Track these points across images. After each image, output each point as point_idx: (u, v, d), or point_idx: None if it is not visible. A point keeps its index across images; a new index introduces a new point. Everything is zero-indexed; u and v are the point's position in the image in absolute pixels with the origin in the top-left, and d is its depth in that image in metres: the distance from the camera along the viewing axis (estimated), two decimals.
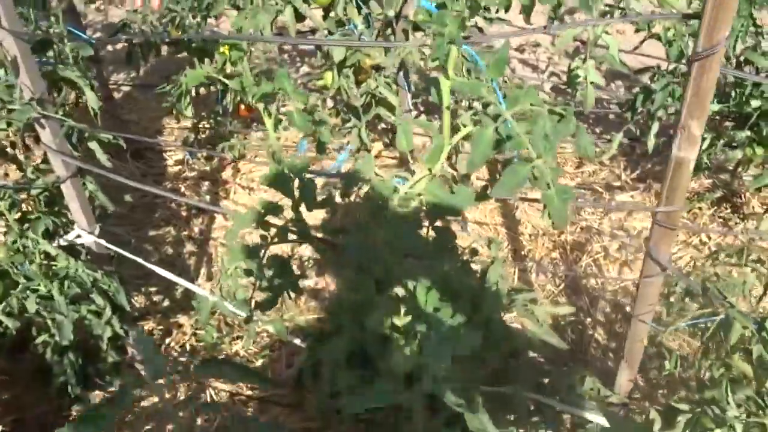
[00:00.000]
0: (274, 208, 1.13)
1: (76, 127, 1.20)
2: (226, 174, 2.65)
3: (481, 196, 1.07)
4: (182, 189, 2.61)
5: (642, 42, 2.18)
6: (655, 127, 2.02)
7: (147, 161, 2.72)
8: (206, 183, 2.63)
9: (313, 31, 2.21)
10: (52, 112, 1.20)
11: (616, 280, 2.10)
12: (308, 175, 1.07)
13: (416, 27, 2.07)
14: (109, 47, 3.46)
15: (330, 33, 2.11)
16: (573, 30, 1.80)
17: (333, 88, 2.14)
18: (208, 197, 2.59)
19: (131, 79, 3.23)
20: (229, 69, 1.00)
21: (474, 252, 1.13)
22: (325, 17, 2.17)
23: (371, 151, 2.46)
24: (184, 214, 2.57)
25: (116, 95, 3.07)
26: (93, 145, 1.28)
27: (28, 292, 1.46)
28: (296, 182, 1.06)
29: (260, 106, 0.97)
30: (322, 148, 1.12)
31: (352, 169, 1.02)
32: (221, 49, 1.16)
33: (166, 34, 2.19)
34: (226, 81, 1.01)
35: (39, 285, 1.43)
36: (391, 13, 2.17)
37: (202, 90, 2.34)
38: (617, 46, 1.82)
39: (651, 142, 2.05)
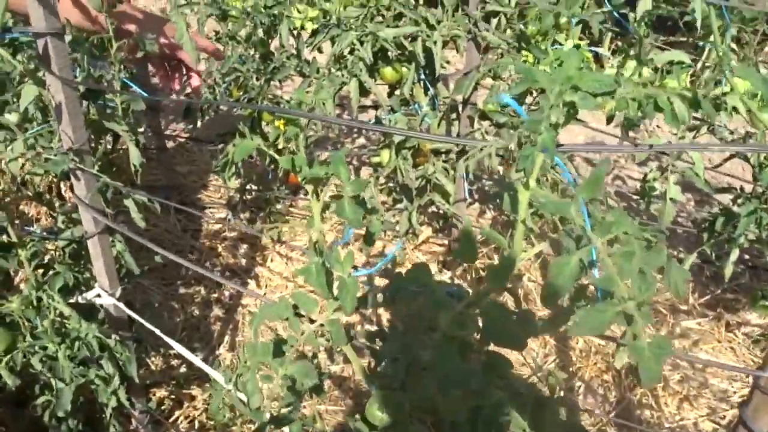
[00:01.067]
0: (309, 303, 0.99)
1: (112, 184, 1.10)
2: (266, 239, 2.55)
3: (546, 328, 0.92)
4: (219, 249, 2.52)
5: (726, 160, 2.02)
6: (734, 253, 1.84)
7: (189, 215, 2.65)
8: (245, 245, 2.54)
9: (375, 106, 2.14)
10: (90, 164, 1.11)
11: (675, 416, 1.87)
12: (353, 273, 0.95)
13: (483, 116, 1.98)
14: (173, 96, 3.49)
15: (393, 111, 2.04)
16: (657, 140, 1.66)
17: (389, 167, 2.04)
18: (243, 261, 2.49)
19: (188, 130, 3.22)
20: (281, 144, 0.91)
21: (530, 387, 0.97)
22: (390, 94, 2.10)
23: (419, 236, 2.33)
24: (217, 275, 2.47)
25: (171, 144, 3.05)
26: (129, 203, 1.18)
27: (35, 348, 1.35)
28: (337, 279, 0.93)
29: (309, 188, 0.85)
30: (370, 239, 0.99)
31: (404, 272, 0.88)
32: (276, 122, 1.06)
33: (227, 92, 2.15)
34: (277, 157, 0.90)
35: (47, 344, 1.32)
36: (459, 98, 2.09)
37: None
38: (702, 163, 1.67)
39: (729, 269, 1.86)
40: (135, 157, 1.16)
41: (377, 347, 1.05)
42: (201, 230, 2.60)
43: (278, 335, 1.97)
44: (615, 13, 1.82)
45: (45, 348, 1.35)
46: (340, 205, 0.89)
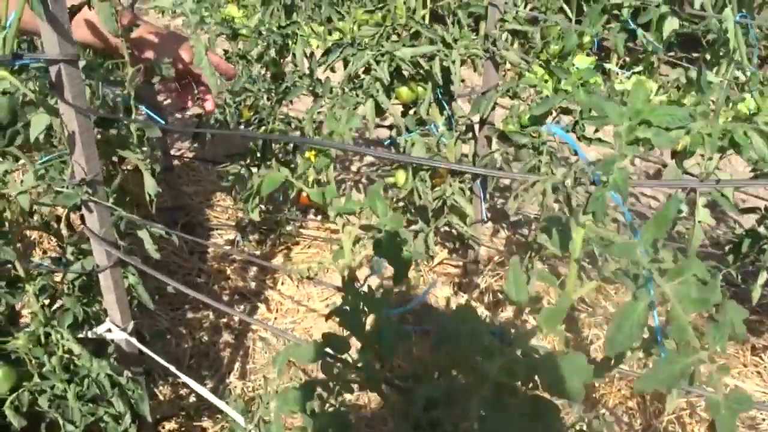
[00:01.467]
0: (341, 345, 0.93)
1: (128, 218, 1.04)
2: (276, 261, 2.49)
3: (600, 372, 0.86)
4: (228, 272, 2.45)
5: (753, 178, 1.96)
6: (763, 276, 1.78)
7: (196, 237, 2.59)
8: (254, 268, 2.47)
9: (390, 126, 2.09)
10: (104, 196, 1.05)
11: None
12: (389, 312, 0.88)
13: (502, 136, 1.92)
14: (177, 114, 3.44)
15: (408, 131, 1.98)
16: (635, 147, 1.61)
17: (405, 188, 1.98)
18: (253, 284, 2.42)
19: (194, 149, 3.16)
20: (312, 176, 0.86)
21: None
22: (404, 114, 2.04)
23: (435, 257, 2.27)
24: (225, 298, 2.40)
25: (176, 163, 2.99)
26: (143, 234, 1.12)
27: (42, 386, 1.28)
28: (371, 320, 0.87)
29: (339, 221, 0.79)
30: (401, 275, 0.93)
31: (447, 313, 0.82)
32: (306, 155, 1.01)
33: (237, 113, 2.10)
34: (306, 190, 0.84)
35: (56, 383, 1.25)
36: (476, 118, 2.03)
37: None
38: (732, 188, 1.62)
39: (756, 293, 1.80)
40: (151, 186, 1.10)
41: (409, 387, 0.98)
42: (208, 252, 2.53)
43: (290, 361, 1.87)
44: (637, 31, 1.77)
45: (53, 387, 1.29)
46: (378, 244, 0.83)
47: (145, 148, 1.12)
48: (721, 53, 1.78)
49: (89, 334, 1.31)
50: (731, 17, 1.34)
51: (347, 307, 0.87)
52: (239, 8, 4.37)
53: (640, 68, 3.81)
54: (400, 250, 0.85)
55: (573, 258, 0.79)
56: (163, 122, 1.38)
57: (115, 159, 1.18)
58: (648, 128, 0.61)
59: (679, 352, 0.70)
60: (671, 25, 1.53)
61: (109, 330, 1.29)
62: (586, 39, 1.66)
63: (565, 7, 4.12)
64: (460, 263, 2.37)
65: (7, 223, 1.09)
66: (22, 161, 1.07)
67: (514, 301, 0.82)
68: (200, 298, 1.20)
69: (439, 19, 2.07)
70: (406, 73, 1.92)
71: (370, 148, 3.24)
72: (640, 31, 1.70)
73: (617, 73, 3.71)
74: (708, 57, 1.90)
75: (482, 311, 2.25)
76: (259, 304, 2.36)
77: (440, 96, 1.99)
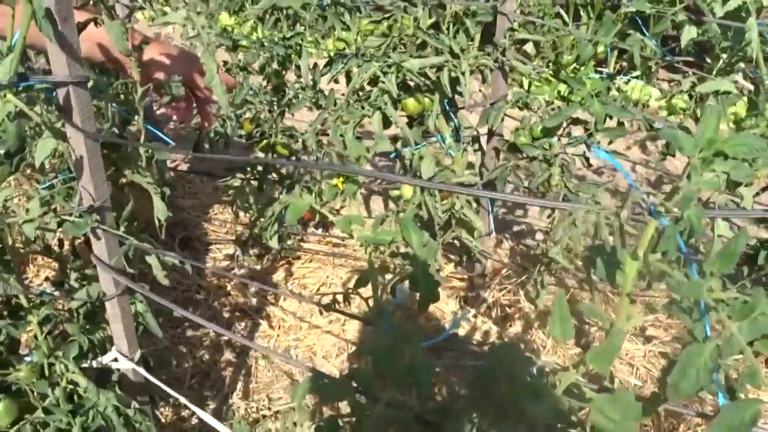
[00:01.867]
0: (368, 381, 0.88)
1: (138, 246, 0.99)
2: (278, 276, 2.43)
3: (649, 410, 0.82)
4: (228, 287, 2.39)
5: (764, 189, 1.94)
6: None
7: (194, 252, 2.53)
8: (255, 283, 2.41)
9: (394, 138, 2.03)
10: (112, 223, 0.99)
11: None
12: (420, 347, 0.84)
13: (512, 147, 1.88)
14: (171, 124, 3.37)
15: (416, 143, 1.93)
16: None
17: (412, 202, 1.93)
18: (254, 300, 2.36)
19: (189, 160, 3.10)
20: (338, 204, 0.81)
21: None
22: (409, 125, 2.00)
23: (441, 271, 2.22)
24: (226, 315, 2.34)
25: (171, 175, 2.93)
26: (152, 260, 1.06)
27: (46, 419, 1.22)
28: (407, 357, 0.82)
29: (367, 250, 0.74)
30: (427, 305, 0.88)
31: (493, 356, 0.77)
32: (333, 181, 0.96)
33: (238, 126, 2.04)
34: (332, 218, 0.79)
35: (60, 416, 1.19)
36: (483, 129, 1.99)
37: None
38: (751, 199, 1.58)
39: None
40: (161, 211, 1.04)
41: (438, 420, 0.93)
42: (208, 268, 2.47)
43: (294, 380, 1.80)
44: (653, 41, 1.74)
45: (57, 420, 1.22)
46: (414, 279, 0.78)
47: (153, 171, 1.07)
48: (733, 60, 1.75)
49: (94, 364, 1.25)
50: (755, 26, 1.30)
51: (381, 346, 0.82)
52: (230, 16, 4.31)
53: (637, 73, 3.80)
54: (433, 281, 0.80)
55: (624, 292, 0.75)
56: (171, 143, 1.32)
57: (123, 180, 1.13)
58: (724, 160, 0.56)
59: (745, 395, 0.66)
60: (689, 33, 1.50)
61: (116, 359, 1.23)
62: (600, 49, 1.63)
63: (562, 12, 4.09)
64: (466, 276, 2.33)
65: (8, 251, 1.03)
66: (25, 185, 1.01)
67: (558, 340, 0.78)
68: (201, 323, 1.14)
69: (435, 27, 2.03)
70: (411, 83, 1.87)
71: (379, 167, 3.18)
72: (653, 39, 1.67)
73: (615, 79, 3.69)
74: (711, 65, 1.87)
75: (490, 326, 2.21)
76: (260, 321, 2.30)
77: (447, 107, 1.94)
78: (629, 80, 2.81)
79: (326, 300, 0.93)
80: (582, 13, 4.13)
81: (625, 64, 3.83)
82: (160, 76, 1.10)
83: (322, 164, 1.68)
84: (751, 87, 1.91)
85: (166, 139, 1.17)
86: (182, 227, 2.57)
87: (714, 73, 2.40)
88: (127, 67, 1.02)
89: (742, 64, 1.73)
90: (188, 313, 1.02)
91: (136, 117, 1.03)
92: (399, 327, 0.84)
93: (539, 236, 2.73)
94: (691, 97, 1.90)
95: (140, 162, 1.04)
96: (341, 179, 0.90)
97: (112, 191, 1.01)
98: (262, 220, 2.11)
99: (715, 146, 0.58)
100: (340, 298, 0.93)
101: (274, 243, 1.01)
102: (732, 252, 0.64)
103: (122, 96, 1.23)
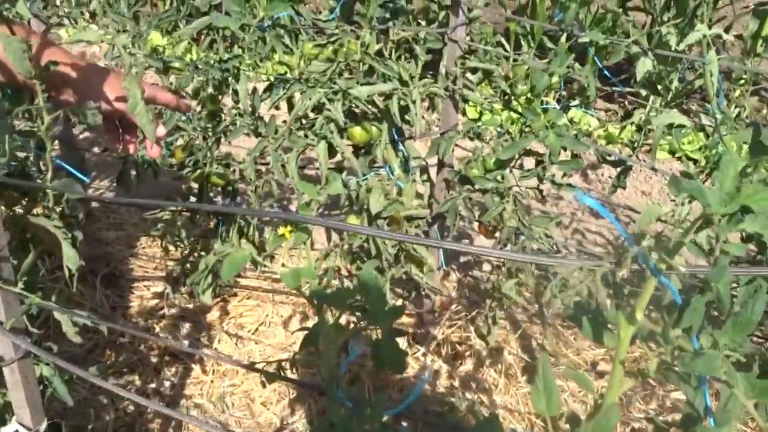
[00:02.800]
0: None
1: (44, 306, 0.83)
2: (212, 316, 2.26)
3: None
4: (157, 329, 2.20)
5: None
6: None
7: (119, 290, 2.32)
8: (187, 324, 2.23)
9: (340, 168, 1.92)
10: (10, 276, 0.83)
11: None
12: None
13: (464, 179, 1.80)
14: (96, 149, 3.15)
15: (362, 174, 1.83)
16: (658, 208, 1.53)
17: (360, 237, 1.82)
18: (186, 342, 2.18)
19: (114, 188, 2.89)
20: (284, 257, 0.69)
21: None
22: (356, 155, 1.89)
23: None
24: (154, 360, 2.14)
25: (95, 205, 2.71)
26: (62, 318, 0.91)
27: None
28: None
29: (282, 271, 0.62)
30: (400, 365, 0.77)
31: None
32: (279, 231, 0.83)
33: (169, 154, 1.89)
34: (279, 272, 0.66)
35: None
36: (433, 160, 1.91)
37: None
38: (707, 233, 1.55)
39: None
40: (72, 259, 0.89)
41: None
42: (134, 307, 2.27)
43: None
44: (605, 72, 1.70)
45: None
46: (379, 349, 0.67)
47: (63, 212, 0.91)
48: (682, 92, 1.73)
49: None
50: (715, 60, 1.27)
51: (338, 419, 0.70)
52: (163, 36, 4.13)
53: (576, 102, 3.84)
54: (399, 352, 0.69)
55: (618, 359, 0.66)
56: (86, 179, 1.16)
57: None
58: (754, 219, 0.47)
59: None
60: (645, 65, 1.46)
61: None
62: (554, 79, 1.57)
63: (504, 41, 4.11)
64: (415, 313, 2.22)
65: None
66: None
67: (542, 413, 0.67)
68: (116, 391, 0.98)
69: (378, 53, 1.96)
70: (358, 111, 1.78)
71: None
72: (605, 71, 1.63)
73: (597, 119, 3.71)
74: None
75: (440, 365, 2.10)
76: (192, 366, 2.12)
77: (395, 136, 1.85)
78: (569, 109, 2.81)
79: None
80: (522, 42, 4.17)
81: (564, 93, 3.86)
82: (69, 96, 0.96)
83: (266, 211, 1.55)
84: (704, 120, 1.91)
85: (78, 175, 1.01)
86: (105, 263, 2.37)
87: (657, 104, 2.40)
88: (34, 91, 0.88)
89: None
90: (109, 384, 0.86)
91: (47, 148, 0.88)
92: (360, 399, 0.72)
93: (486, 267, 2.67)
94: (640, 129, 1.87)
95: (47, 202, 0.89)
96: (288, 228, 0.78)
97: (13, 236, 0.85)
98: (194, 255, 1.94)
99: (738, 200, 0.49)
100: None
101: (207, 299, 0.87)
102: (748, 319, 0.55)
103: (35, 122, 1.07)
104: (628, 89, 2.94)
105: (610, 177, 3.46)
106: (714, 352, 0.54)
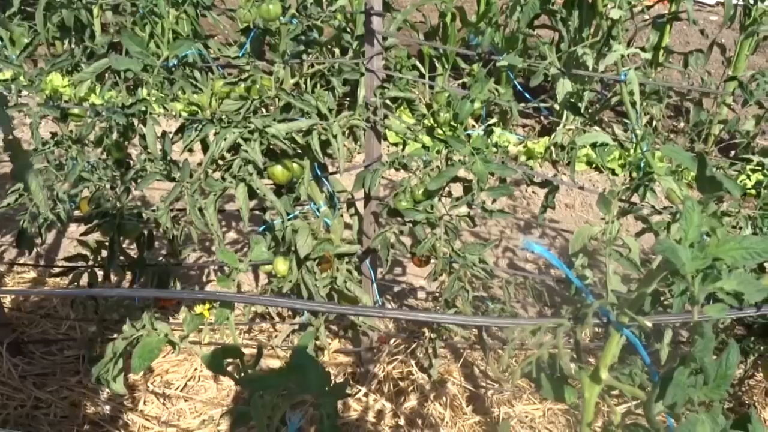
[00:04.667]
0: None
1: None
2: (134, 375, 2.09)
3: None
4: (74, 396, 2.01)
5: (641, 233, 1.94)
6: (668, 335, 1.73)
7: (29, 357, 2.12)
8: (106, 389, 2.05)
9: (263, 209, 1.83)
10: None
11: None
12: None
13: (393, 212, 1.74)
14: None
15: (287, 213, 1.74)
16: (590, 229, 1.52)
17: (288, 280, 1.73)
18: (107, 407, 2.00)
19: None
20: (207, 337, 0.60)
21: None
22: (279, 194, 1.80)
23: (326, 350, 2.01)
24: (74, 430, 1.96)
25: None
26: None
27: None
28: None
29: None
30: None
31: None
32: (197, 309, 0.74)
33: (73, 207, 1.74)
34: (202, 358, 0.57)
35: None
36: (360, 193, 1.84)
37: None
38: (638, 248, 1.55)
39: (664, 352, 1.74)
40: None
41: None
42: (48, 374, 2.07)
43: None
44: (526, 94, 1.69)
45: None
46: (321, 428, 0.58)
47: None
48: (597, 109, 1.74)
49: None
50: (635, 79, 1.27)
51: None
52: (64, 77, 3.89)
53: (494, 120, 3.89)
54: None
55: (584, 423, 0.60)
56: None
57: None
58: (731, 276, 0.42)
59: None
60: (565, 86, 1.45)
61: None
62: (477, 105, 1.54)
63: (419, 64, 4.14)
64: (353, 350, 2.14)
65: None
66: None
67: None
68: None
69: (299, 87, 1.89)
70: (274, 147, 1.69)
71: (243, 242, 2.93)
72: (525, 93, 1.62)
73: (521, 139, 3.73)
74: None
75: (383, 404, 2.02)
76: None
77: (319, 172, 1.78)
78: (492, 132, 2.82)
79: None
80: (437, 64, 4.20)
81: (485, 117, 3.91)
82: None
83: (188, 292, 1.42)
84: (617, 131, 1.94)
85: None
86: (11, 328, 2.15)
87: (577, 122, 2.43)
88: None
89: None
90: None
91: None
92: None
93: (421, 295, 2.62)
94: (562, 147, 1.87)
95: None
96: (206, 305, 0.68)
97: None
98: (106, 318, 1.79)
99: (709, 254, 0.44)
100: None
101: (119, 388, 0.76)
102: (724, 375, 0.50)
103: None
104: (543, 105, 2.99)
105: (533, 192, 3.50)
106: (695, 417, 0.49)
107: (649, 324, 0.52)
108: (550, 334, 0.59)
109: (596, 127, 1.57)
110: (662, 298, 1.48)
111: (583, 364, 0.59)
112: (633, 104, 1.42)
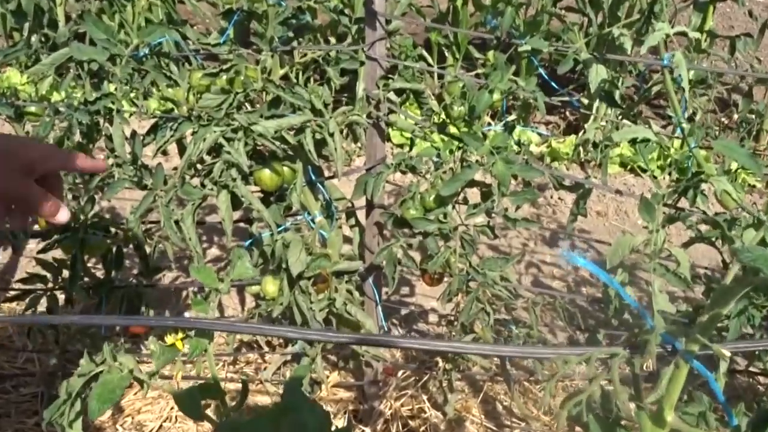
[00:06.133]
0: None
1: None
2: (102, 416, 2.04)
3: None
4: None
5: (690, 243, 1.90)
6: (724, 364, 1.69)
7: None
8: None
9: (248, 220, 1.80)
10: None
11: None
12: None
13: (400, 222, 1.70)
14: None
15: (277, 225, 1.70)
16: (631, 239, 1.47)
17: (278, 303, 1.69)
18: None
19: None
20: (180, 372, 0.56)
21: None
22: (267, 202, 1.76)
23: (324, 383, 1.96)
24: None
25: None
26: None
27: None
28: None
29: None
30: None
31: None
32: (168, 339, 0.70)
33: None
34: (174, 397, 0.53)
35: None
36: (361, 201, 1.81)
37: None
38: (688, 261, 1.50)
39: (721, 382, 1.70)
40: None
41: None
42: (1, 415, 2.03)
43: None
44: (553, 83, 1.66)
45: None
46: None
47: None
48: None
49: None
50: (683, 62, 1.23)
51: None
52: (23, 73, 3.89)
53: (513, 117, 3.85)
54: None
55: None
56: None
57: None
58: None
59: None
60: (599, 73, 1.41)
61: None
62: (496, 97, 1.51)
63: (426, 54, 4.11)
64: (355, 384, 2.09)
65: None
66: None
67: None
68: None
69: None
70: (264, 149, 1.66)
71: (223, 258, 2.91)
72: (553, 83, 1.58)
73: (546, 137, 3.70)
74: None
75: None
76: None
77: (313, 176, 1.74)
78: (514, 128, 2.79)
79: None
80: (447, 53, 4.17)
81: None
82: None
83: (157, 318, 1.38)
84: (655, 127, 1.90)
85: None
86: None
87: (611, 114, 2.39)
88: None
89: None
90: None
91: None
92: None
93: (432, 318, 2.58)
94: (595, 145, 1.84)
95: None
96: (179, 335, 0.64)
97: None
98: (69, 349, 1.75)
99: None
100: None
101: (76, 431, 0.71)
102: None
103: None
104: (572, 98, 2.95)
105: (560, 198, 3.47)
106: None
107: (727, 353, 0.47)
108: (599, 364, 0.54)
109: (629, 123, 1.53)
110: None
111: (641, 402, 0.54)
112: (678, 93, 1.38)
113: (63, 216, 0.97)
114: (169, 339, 0.68)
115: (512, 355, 1.32)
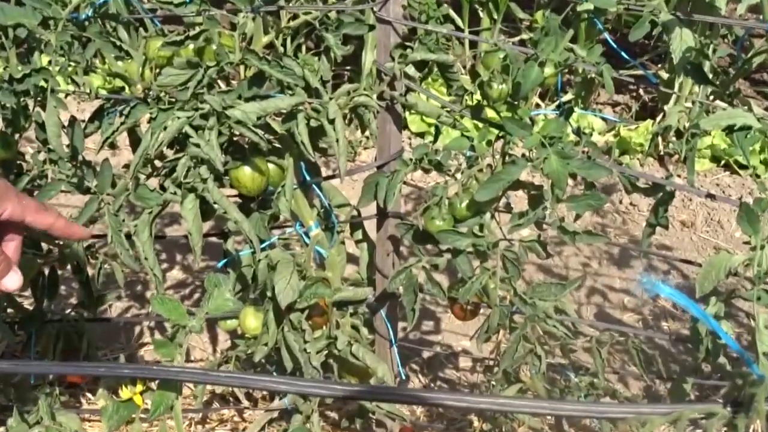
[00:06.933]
0: None
1: None
2: None
3: None
4: None
5: None
6: None
7: None
8: None
9: (224, 234, 1.83)
10: None
11: None
12: None
13: (421, 236, 1.73)
14: None
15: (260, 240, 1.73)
16: (728, 258, 1.48)
17: (262, 342, 1.71)
18: None
19: None
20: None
21: None
22: (245, 211, 1.79)
23: None
24: None
25: None
26: None
27: None
28: None
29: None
30: None
31: None
32: (123, 392, 0.70)
33: None
34: None
35: None
36: (372, 209, 1.85)
37: None
38: None
39: None
40: None
41: None
42: None
43: None
44: (623, 54, 1.67)
45: None
46: None
47: None
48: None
49: None
50: None
51: None
52: None
53: (570, 97, 3.88)
54: None
55: None
56: None
57: None
58: None
59: None
60: (684, 40, 1.42)
61: None
62: (548, 71, 1.52)
63: (453, 14, 4.15)
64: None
65: None
66: None
67: None
68: None
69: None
70: (240, 139, 1.70)
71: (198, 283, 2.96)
72: (620, 50, 1.60)
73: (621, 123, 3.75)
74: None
75: None
76: None
77: (307, 176, 1.78)
78: (572, 112, 2.82)
79: None
80: (482, 14, 4.20)
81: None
82: None
83: (108, 365, 1.39)
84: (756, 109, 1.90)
85: None
86: None
87: (701, 94, 2.40)
88: None
89: None
90: None
91: None
92: None
93: (464, 362, 2.61)
94: (679, 134, 1.84)
95: None
96: (138, 386, 0.65)
97: None
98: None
99: None
100: None
101: None
102: None
103: None
104: (641, 73, 2.97)
105: (631, 204, 3.50)
106: None
107: None
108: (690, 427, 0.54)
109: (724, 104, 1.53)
110: None
111: None
112: None
113: (11, 282, 0.95)
114: (125, 392, 0.68)
115: (573, 414, 1.31)
